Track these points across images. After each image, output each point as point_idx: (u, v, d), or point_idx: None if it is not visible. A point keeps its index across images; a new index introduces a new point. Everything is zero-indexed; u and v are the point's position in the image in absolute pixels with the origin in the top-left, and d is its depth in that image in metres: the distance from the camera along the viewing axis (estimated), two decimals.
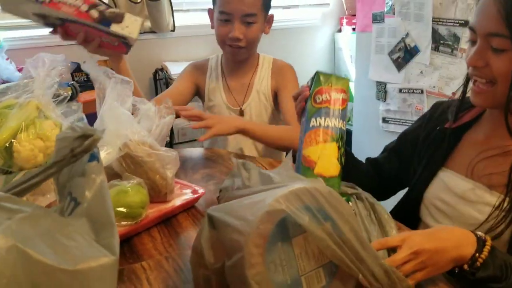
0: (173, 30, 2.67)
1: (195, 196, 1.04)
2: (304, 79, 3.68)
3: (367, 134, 2.68)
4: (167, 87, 2.61)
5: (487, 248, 0.73)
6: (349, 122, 3.11)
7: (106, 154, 0.97)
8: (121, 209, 0.89)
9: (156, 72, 2.66)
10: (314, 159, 0.87)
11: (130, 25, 1.17)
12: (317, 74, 0.92)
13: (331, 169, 0.87)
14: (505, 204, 0.84)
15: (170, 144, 2.62)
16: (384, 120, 2.50)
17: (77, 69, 2.36)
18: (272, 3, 1.54)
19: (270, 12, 1.55)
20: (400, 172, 1.13)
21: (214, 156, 1.40)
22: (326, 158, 0.88)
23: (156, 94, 2.71)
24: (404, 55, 2.32)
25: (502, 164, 0.87)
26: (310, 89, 0.93)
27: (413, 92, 2.32)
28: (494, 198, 0.87)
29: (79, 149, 0.52)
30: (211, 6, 1.53)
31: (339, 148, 0.88)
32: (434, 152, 1.02)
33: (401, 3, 2.26)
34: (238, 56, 1.54)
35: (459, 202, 0.93)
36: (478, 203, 0.89)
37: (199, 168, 1.29)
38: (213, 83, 1.62)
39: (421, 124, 1.11)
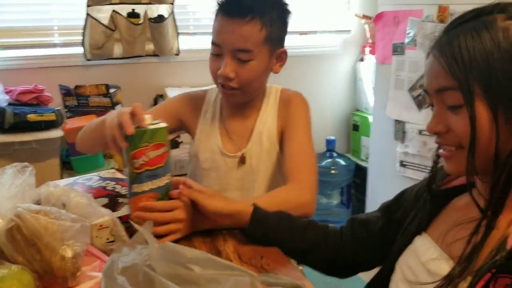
0: (177, 54, 2.49)
1: None
2: (322, 111, 3.38)
3: (383, 177, 2.39)
4: None
5: None
6: (366, 160, 2.82)
7: None
8: None
9: (157, 98, 2.48)
10: None
11: None
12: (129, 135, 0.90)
13: None
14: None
15: None
16: (402, 164, 2.21)
17: (68, 94, 2.21)
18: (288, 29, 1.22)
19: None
20: (385, 234, 0.96)
21: None
22: None
23: None
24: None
25: (466, 232, 0.74)
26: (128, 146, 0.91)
27: None
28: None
29: None
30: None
31: None
32: (418, 216, 0.89)
33: (423, 34, 1.99)
34: (231, 99, 1.24)
35: (422, 271, 0.80)
36: (435, 275, 0.76)
37: None
38: (207, 124, 1.32)
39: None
